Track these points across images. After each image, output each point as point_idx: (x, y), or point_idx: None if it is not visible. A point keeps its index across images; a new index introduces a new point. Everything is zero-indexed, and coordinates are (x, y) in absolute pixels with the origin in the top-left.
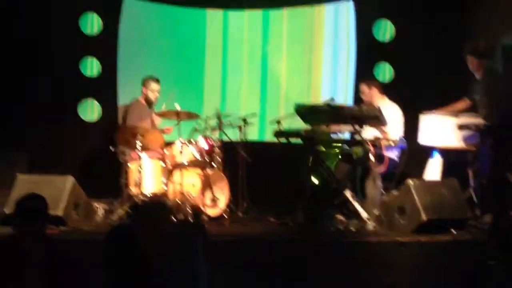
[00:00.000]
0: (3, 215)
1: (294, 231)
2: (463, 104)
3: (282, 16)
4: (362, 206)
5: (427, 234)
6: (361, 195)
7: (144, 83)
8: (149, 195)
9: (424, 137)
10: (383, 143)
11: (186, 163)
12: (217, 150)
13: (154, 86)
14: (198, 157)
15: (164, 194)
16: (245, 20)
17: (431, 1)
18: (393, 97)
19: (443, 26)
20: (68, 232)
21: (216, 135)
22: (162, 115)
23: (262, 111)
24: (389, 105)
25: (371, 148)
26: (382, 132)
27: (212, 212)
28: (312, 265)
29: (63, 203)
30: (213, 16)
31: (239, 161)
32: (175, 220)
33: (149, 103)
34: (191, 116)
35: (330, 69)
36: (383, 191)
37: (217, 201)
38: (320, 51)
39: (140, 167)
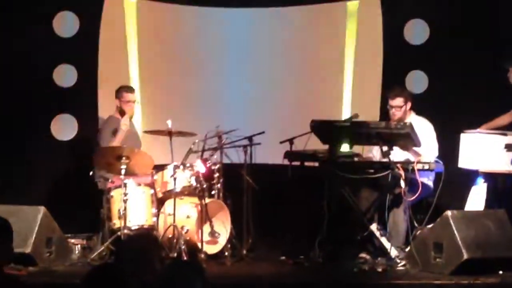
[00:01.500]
0: None
1: (310, 272)
2: (509, 117)
3: (293, 15)
4: (391, 242)
5: (469, 275)
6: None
7: (117, 93)
8: (135, 229)
9: (466, 160)
10: (417, 166)
11: (180, 191)
12: (217, 175)
13: (127, 96)
14: (194, 183)
15: (154, 228)
16: (250, 21)
17: None
18: (427, 112)
19: (489, 25)
20: (39, 273)
21: (216, 157)
22: (151, 133)
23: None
24: (419, 121)
25: (402, 172)
26: (415, 153)
27: (211, 249)
28: None
29: (33, 238)
30: (214, 15)
31: (243, 188)
32: (167, 258)
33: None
34: (186, 134)
35: (353, 78)
36: (416, 224)
37: (217, 236)
38: (342, 56)
39: (125, 196)
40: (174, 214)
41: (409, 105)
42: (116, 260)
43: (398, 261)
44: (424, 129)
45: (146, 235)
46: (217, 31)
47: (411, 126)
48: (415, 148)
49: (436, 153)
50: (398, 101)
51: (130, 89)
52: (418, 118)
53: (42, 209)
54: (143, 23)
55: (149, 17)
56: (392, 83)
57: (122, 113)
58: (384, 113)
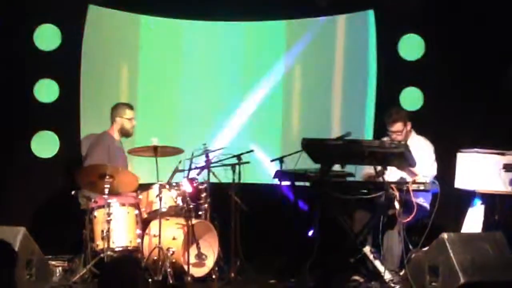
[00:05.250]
0: None
1: None
2: None
3: (284, 30)
4: (385, 265)
5: None
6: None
7: (118, 111)
8: (119, 251)
9: (463, 180)
10: (411, 187)
11: (166, 211)
12: (204, 194)
13: (129, 113)
14: (181, 203)
15: (138, 250)
16: (238, 35)
17: (469, 10)
18: (423, 130)
19: (487, 41)
20: None
21: (203, 176)
22: (136, 152)
23: (261, 147)
24: (418, 141)
25: (396, 193)
26: (410, 173)
27: (198, 272)
28: None
29: None
30: (206, 29)
31: (231, 208)
32: (151, 281)
33: (126, 134)
34: (172, 152)
35: (345, 96)
36: (411, 247)
37: (204, 258)
38: (333, 72)
39: (109, 216)
40: (159, 236)
41: (409, 126)
42: (98, 283)
43: (392, 285)
44: (423, 149)
45: (130, 259)
46: (206, 46)
47: (405, 145)
48: (411, 168)
49: (434, 174)
50: (398, 126)
51: (131, 106)
52: (418, 137)
53: (21, 229)
54: (129, 36)
55: (133, 31)
56: (386, 100)
57: (123, 130)
58: (378, 130)
